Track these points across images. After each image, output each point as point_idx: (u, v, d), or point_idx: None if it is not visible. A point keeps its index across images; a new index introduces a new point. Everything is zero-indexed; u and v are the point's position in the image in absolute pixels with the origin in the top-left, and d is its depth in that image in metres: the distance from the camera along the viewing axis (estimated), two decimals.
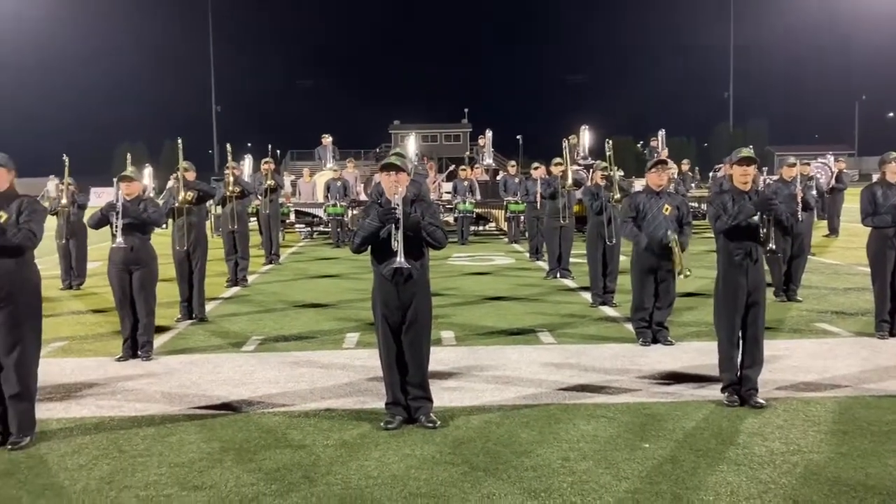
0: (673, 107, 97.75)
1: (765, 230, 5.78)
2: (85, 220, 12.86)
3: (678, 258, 7.40)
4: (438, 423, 5.40)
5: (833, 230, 19.41)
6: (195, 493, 4.38)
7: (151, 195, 10.11)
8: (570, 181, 12.08)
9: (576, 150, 20.05)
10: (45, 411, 5.76)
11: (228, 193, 12.02)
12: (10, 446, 5.12)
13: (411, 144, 20.64)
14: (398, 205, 5.21)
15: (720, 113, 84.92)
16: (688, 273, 7.27)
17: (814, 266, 13.03)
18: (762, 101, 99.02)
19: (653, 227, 7.67)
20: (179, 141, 9.85)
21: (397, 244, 5.21)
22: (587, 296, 10.47)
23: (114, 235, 7.43)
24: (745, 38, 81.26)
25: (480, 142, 25.20)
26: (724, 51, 76.31)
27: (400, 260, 5.22)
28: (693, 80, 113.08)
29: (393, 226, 5.23)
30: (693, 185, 23.43)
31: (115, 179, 7.57)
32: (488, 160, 24.23)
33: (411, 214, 5.28)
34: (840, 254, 15.61)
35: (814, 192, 11.19)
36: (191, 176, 9.72)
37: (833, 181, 20.12)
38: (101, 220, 7.55)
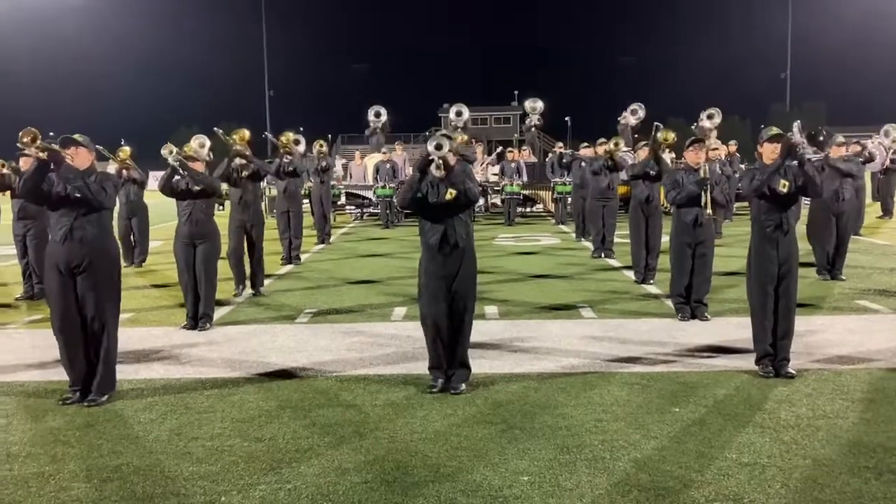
0: (728, 87, 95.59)
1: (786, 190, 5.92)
2: (145, 198, 13.49)
3: (706, 202, 7.57)
4: (463, 389, 5.70)
5: (887, 211, 19.00)
6: (256, 444, 4.80)
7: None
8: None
9: (625, 132, 20.07)
10: (117, 374, 6.21)
11: (282, 150, 12.67)
12: (86, 404, 5.61)
13: (465, 111, 20.81)
14: (434, 152, 5.57)
15: (777, 93, 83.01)
16: (708, 213, 7.58)
17: (863, 246, 13.01)
18: (821, 82, 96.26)
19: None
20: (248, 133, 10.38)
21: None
22: (631, 274, 10.69)
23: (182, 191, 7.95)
24: (805, 16, 79.03)
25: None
26: (782, 29, 74.47)
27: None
28: (749, 60, 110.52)
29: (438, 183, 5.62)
30: (742, 166, 23.18)
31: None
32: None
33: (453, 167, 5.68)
34: (891, 234, 15.45)
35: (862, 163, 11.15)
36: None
37: (888, 161, 19.68)
38: (168, 177, 7.91)
